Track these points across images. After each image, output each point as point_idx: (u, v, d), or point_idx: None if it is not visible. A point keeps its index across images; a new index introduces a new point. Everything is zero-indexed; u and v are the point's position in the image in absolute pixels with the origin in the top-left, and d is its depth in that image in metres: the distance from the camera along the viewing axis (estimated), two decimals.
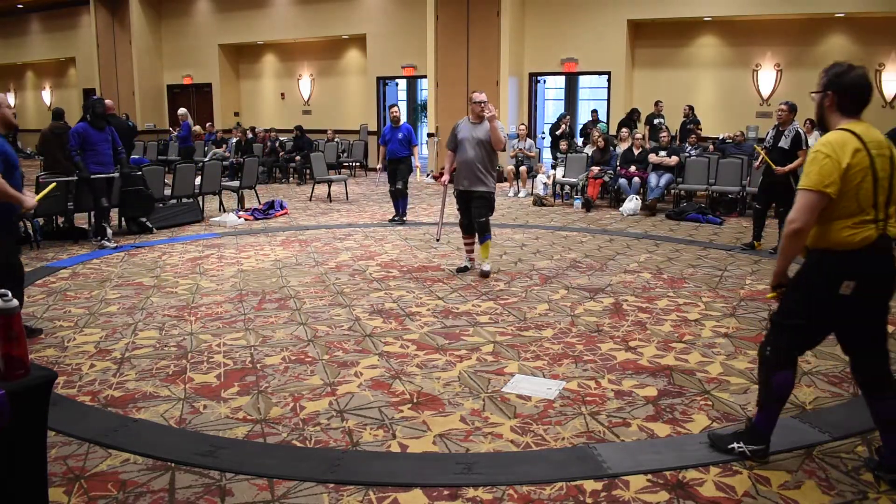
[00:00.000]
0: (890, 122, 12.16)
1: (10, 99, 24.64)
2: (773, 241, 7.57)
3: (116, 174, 8.00)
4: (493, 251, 7.41)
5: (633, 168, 10.76)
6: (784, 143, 7.17)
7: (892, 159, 2.75)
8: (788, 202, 7.05)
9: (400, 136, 9.29)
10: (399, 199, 9.48)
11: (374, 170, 10.36)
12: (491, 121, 6.23)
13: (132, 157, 9.71)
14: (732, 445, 3.06)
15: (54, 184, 5.92)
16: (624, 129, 12.05)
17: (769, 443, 3.01)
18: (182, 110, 15.41)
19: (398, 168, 9.32)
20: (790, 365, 2.94)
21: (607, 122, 13.73)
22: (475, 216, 6.32)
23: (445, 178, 6.86)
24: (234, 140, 14.73)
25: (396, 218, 9.48)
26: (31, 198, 4.61)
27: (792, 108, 7.25)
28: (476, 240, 6.50)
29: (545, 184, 11.60)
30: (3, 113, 4.56)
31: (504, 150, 6.73)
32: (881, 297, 2.80)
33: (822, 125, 2.91)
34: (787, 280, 2.98)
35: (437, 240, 7.65)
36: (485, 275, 6.36)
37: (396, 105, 9.80)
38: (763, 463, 3.01)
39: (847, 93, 2.79)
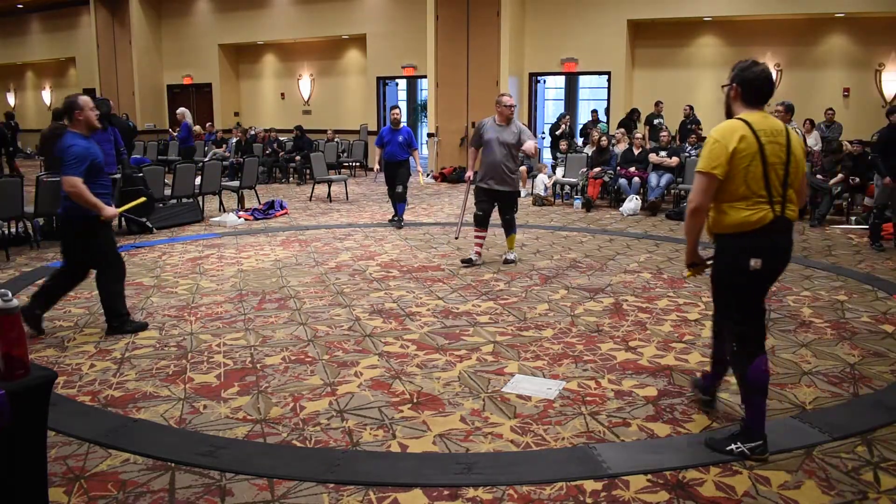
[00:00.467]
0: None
1: (10, 99, 24.70)
2: None
3: (119, 175, 8.01)
4: (494, 251, 7.51)
5: (633, 168, 10.76)
6: None
7: (790, 147, 2.98)
8: None
9: (400, 138, 9.00)
10: (399, 203, 9.22)
11: (372, 170, 10.12)
12: (528, 149, 6.70)
13: (133, 157, 9.71)
14: (731, 447, 3.07)
15: (143, 198, 6.28)
16: (620, 130, 12.05)
17: (765, 437, 3.05)
18: (181, 110, 15.39)
19: (398, 171, 9.04)
20: (759, 351, 3.06)
21: (607, 122, 13.74)
22: (503, 213, 6.79)
23: (469, 174, 7.25)
24: (234, 140, 14.73)
25: (395, 219, 9.31)
26: (111, 208, 4.66)
27: (788, 109, 7.24)
28: (485, 233, 6.94)
29: (545, 185, 11.60)
30: (87, 115, 4.57)
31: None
32: (776, 271, 3.12)
33: (728, 114, 3.13)
34: (700, 258, 3.26)
35: (456, 238, 7.86)
36: (509, 262, 6.89)
37: (398, 107, 9.52)
38: (763, 460, 3.02)
39: (749, 86, 3.04)
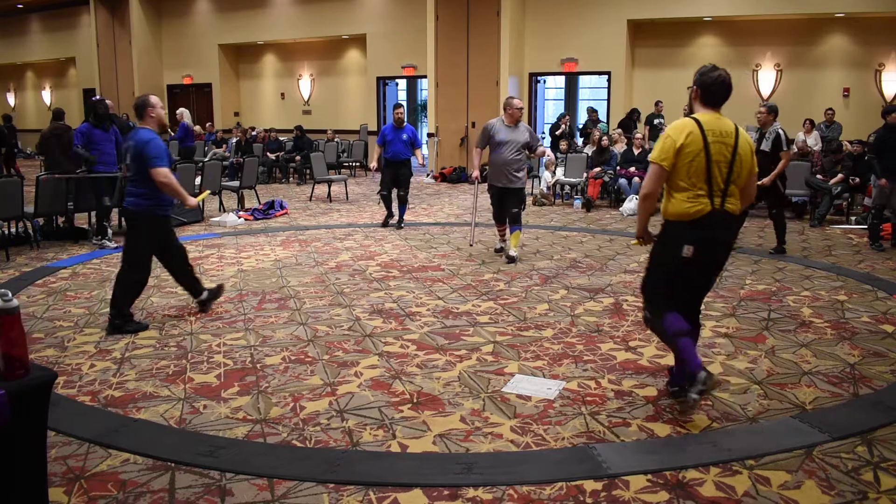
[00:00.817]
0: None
1: (10, 99, 24.70)
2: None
3: (120, 174, 8.01)
4: (494, 251, 7.50)
5: (633, 168, 10.76)
6: (765, 145, 7.19)
7: (737, 148, 3.29)
8: (776, 202, 7.08)
9: (404, 136, 8.79)
10: (401, 204, 9.04)
11: (371, 169, 9.89)
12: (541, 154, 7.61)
13: None
14: (692, 395, 3.31)
15: (208, 192, 6.49)
16: (617, 130, 12.05)
17: (704, 368, 3.29)
18: (180, 110, 15.40)
19: (400, 172, 8.84)
20: (668, 311, 3.41)
21: (607, 122, 13.75)
22: (509, 208, 7.00)
23: (475, 174, 7.41)
24: (234, 140, 14.73)
25: (392, 221, 9.09)
26: (192, 198, 5.13)
27: (771, 110, 7.29)
28: (505, 227, 7.23)
29: (548, 183, 11.59)
30: (158, 113, 4.87)
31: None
32: (715, 261, 3.42)
33: (690, 112, 3.46)
34: (648, 235, 3.61)
35: (471, 245, 7.81)
36: (511, 260, 6.98)
37: (402, 105, 9.15)
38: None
39: (707, 89, 3.38)
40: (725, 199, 3.29)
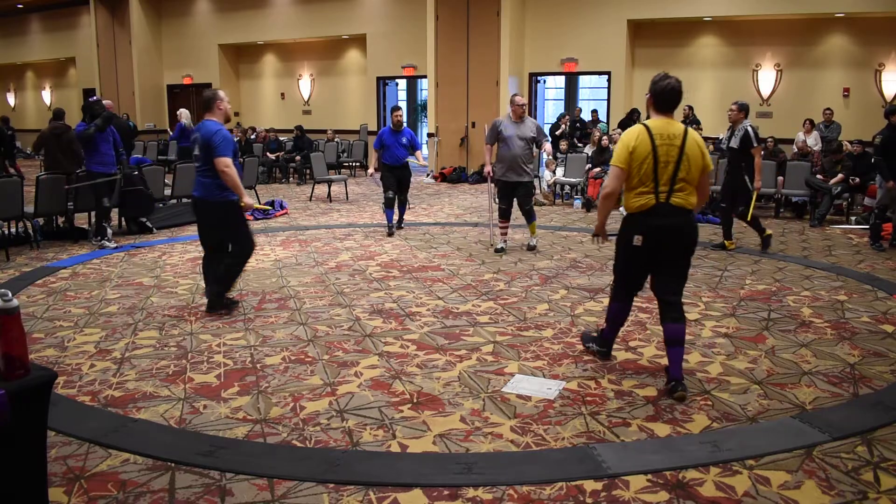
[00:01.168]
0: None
1: (10, 99, 24.70)
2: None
3: (119, 175, 8.01)
4: (494, 251, 7.51)
5: None
6: (734, 142, 7.33)
7: (684, 149, 3.65)
8: (745, 200, 7.26)
9: (404, 140, 8.58)
10: (402, 206, 8.90)
11: (369, 173, 9.17)
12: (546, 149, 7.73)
13: (133, 156, 9.71)
14: (590, 344, 4.33)
15: (266, 206, 6.71)
16: (617, 130, 12.05)
17: (611, 350, 4.27)
18: (181, 111, 15.44)
19: (402, 175, 8.64)
20: (622, 299, 4.08)
21: (607, 122, 13.74)
22: (522, 204, 7.33)
23: (488, 169, 7.71)
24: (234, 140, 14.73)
25: (394, 225, 8.81)
26: (249, 198, 5.23)
27: (741, 108, 7.38)
28: (508, 224, 7.58)
29: (548, 183, 11.60)
30: (225, 106, 5.17)
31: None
32: (669, 248, 3.75)
33: (648, 117, 3.82)
34: (604, 232, 4.05)
35: (497, 249, 7.56)
36: (532, 248, 7.51)
37: (400, 108, 8.99)
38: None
39: (658, 96, 3.73)
40: (672, 194, 3.67)
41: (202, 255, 7.34)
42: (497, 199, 7.61)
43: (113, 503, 2.72)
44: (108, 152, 7.81)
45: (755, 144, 7.19)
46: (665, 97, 3.71)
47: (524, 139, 7.16)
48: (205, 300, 5.60)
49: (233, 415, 3.51)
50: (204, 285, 5.39)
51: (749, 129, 7.19)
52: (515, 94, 7.51)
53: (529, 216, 7.46)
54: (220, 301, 5.24)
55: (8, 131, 12.71)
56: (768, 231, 7.63)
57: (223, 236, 5.21)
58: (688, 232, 3.79)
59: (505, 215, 7.49)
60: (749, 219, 7.49)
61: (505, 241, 7.56)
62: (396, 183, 8.61)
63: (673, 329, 3.76)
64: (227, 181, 4.92)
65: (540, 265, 6.90)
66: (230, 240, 5.21)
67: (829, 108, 11.53)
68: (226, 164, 4.87)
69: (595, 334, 4.40)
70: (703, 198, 3.88)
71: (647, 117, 3.81)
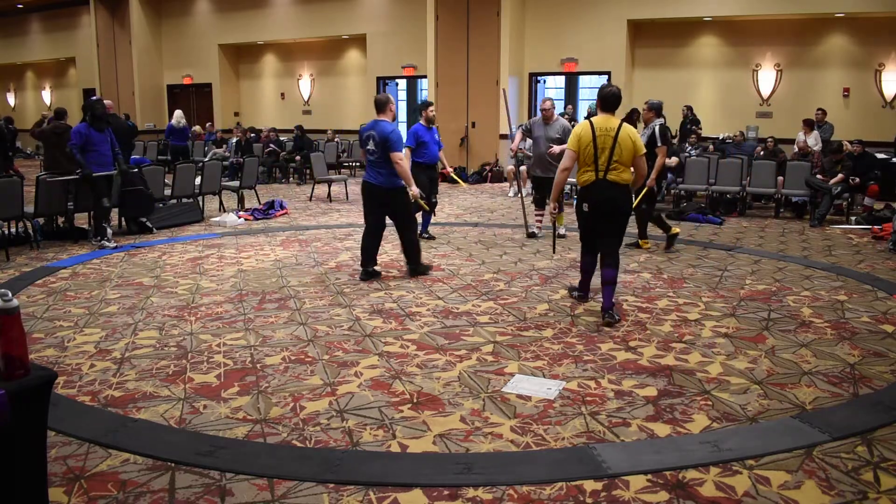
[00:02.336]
0: (889, 120, 12.18)
1: (10, 99, 24.69)
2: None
3: (115, 173, 8.00)
4: (494, 251, 7.57)
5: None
6: (644, 140, 7.29)
7: (617, 138, 4.81)
8: (651, 201, 7.47)
9: (437, 137, 8.06)
10: (430, 214, 8.07)
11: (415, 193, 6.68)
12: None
13: (133, 156, 9.71)
14: (574, 292, 5.63)
15: (427, 207, 7.44)
16: None
17: (587, 294, 5.53)
18: (177, 112, 15.58)
19: (433, 175, 8.06)
20: (586, 254, 5.32)
21: None
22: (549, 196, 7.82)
23: (514, 145, 8.45)
24: (235, 140, 14.73)
25: (427, 235, 8.21)
26: (416, 188, 6.34)
27: (652, 108, 7.54)
28: (542, 212, 8.16)
29: None
30: (393, 108, 6.20)
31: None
32: (606, 213, 4.93)
33: (690, 112, 4.70)
34: (561, 202, 5.63)
35: (530, 234, 8.46)
36: (561, 237, 8.13)
37: (433, 104, 8.38)
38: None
39: (602, 100, 4.98)
40: (608, 172, 4.85)
41: (202, 255, 7.36)
42: (532, 191, 8.58)
43: (113, 503, 2.72)
44: (107, 153, 7.80)
45: (659, 143, 7.25)
46: (607, 100, 4.93)
47: (550, 140, 7.81)
48: (204, 300, 5.63)
49: (233, 415, 3.51)
50: (360, 259, 6.39)
51: (657, 128, 7.34)
52: (545, 99, 8.15)
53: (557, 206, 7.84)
54: (421, 268, 6.43)
55: (7, 131, 12.69)
56: (675, 229, 7.66)
57: (393, 216, 6.30)
58: (621, 202, 4.92)
59: (539, 204, 8.26)
60: (650, 216, 7.60)
61: (539, 228, 8.39)
62: (430, 184, 7.92)
63: (608, 273, 4.96)
64: (399, 171, 5.99)
65: (540, 265, 6.90)
66: (400, 218, 6.31)
67: (820, 109, 11.51)
68: (400, 157, 5.96)
69: (576, 286, 5.65)
70: (640, 176, 5.04)
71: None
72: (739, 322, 5.05)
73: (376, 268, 6.41)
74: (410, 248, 6.37)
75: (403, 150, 6.07)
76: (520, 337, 4.72)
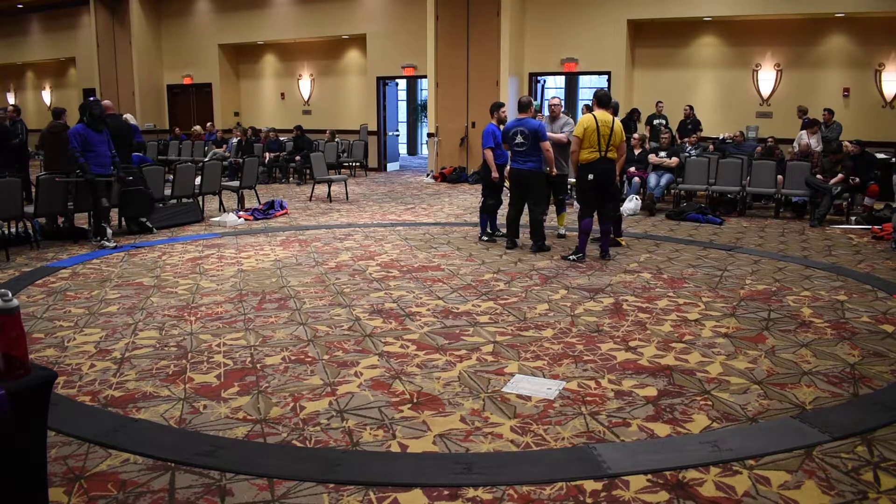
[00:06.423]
0: (889, 120, 12.18)
1: (10, 99, 24.68)
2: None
3: (114, 175, 8.00)
4: (494, 251, 7.56)
5: (632, 168, 10.76)
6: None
7: (612, 128, 6.76)
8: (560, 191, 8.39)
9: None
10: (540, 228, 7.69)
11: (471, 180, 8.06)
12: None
13: (134, 154, 9.68)
14: (571, 257, 7.01)
15: (491, 202, 8.07)
16: None
17: (585, 255, 7.03)
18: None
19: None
20: (589, 215, 6.94)
21: None
22: (555, 194, 8.16)
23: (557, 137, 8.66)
24: (235, 140, 14.73)
25: (499, 233, 8.22)
26: (496, 175, 7.72)
27: (605, 104, 7.71)
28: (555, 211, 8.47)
29: None
30: (534, 110, 7.53)
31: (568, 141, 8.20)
32: (604, 183, 6.84)
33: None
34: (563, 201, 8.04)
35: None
36: (561, 237, 8.37)
37: (504, 105, 8.20)
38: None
39: (598, 100, 6.90)
40: (607, 151, 6.79)
41: (202, 255, 7.36)
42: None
43: (113, 503, 2.72)
44: (105, 153, 7.80)
45: (542, 139, 7.48)
46: (602, 100, 6.91)
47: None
48: (204, 300, 5.63)
49: (233, 415, 3.51)
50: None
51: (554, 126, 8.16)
52: (554, 97, 8.62)
53: (560, 206, 8.23)
54: (544, 247, 7.46)
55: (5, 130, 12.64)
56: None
57: (533, 196, 7.35)
58: (612, 173, 6.92)
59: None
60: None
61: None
62: (501, 184, 7.92)
63: (607, 227, 7.05)
64: (548, 157, 7.29)
65: (540, 265, 6.90)
66: (536, 199, 7.39)
67: (827, 109, 11.51)
68: (548, 146, 7.24)
69: (572, 251, 7.05)
70: (622, 155, 7.23)
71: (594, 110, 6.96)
72: (739, 322, 5.05)
73: (517, 240, 7.69)
74: (536, 228, 7.37)
75: (491, 147, 7.50)
76: (520, 337, 4.72)
